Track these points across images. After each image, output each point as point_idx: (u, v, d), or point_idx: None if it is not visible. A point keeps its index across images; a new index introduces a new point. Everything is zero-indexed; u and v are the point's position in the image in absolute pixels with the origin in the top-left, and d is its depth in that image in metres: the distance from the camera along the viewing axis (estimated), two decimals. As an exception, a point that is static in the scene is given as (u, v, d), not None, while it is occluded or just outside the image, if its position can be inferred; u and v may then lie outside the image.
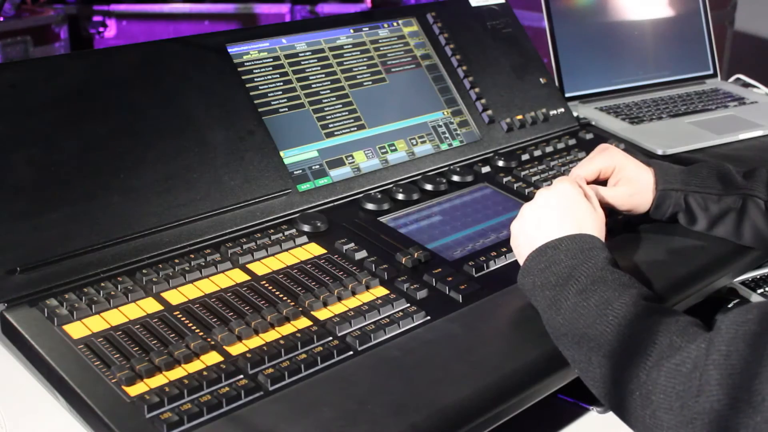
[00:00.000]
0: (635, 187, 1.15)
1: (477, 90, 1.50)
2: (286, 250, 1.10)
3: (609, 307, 0.86)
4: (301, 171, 1.25)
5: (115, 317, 0.94)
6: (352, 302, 0.99)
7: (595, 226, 0.99)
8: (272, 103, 1.28)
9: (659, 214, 1.17)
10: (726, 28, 3.48)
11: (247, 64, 1.29)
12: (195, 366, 0.87)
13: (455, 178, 1.34)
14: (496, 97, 1.52)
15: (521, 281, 0.98)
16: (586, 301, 0.88)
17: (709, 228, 1.17)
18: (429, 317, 0.98)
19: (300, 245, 1.12)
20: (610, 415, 1.04)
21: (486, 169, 1.38)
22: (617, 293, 0.87)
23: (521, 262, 0.99)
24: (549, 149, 1.48)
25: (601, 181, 1.17)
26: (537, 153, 1.46)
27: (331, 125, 1.32)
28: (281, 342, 0.91)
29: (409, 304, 1.00)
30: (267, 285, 1.02)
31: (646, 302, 0.86)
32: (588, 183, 1.13)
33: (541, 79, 1.61)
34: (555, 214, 0.99)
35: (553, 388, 0.93)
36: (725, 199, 1.14)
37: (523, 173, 1.38)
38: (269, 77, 1.30)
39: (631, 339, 0.83)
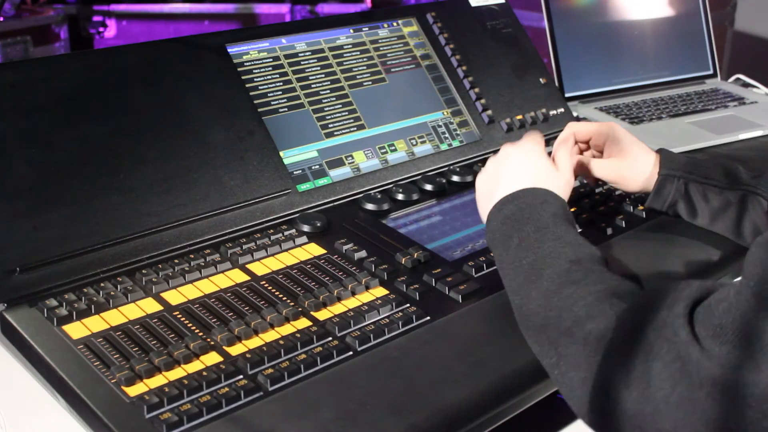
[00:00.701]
0: (626, 162, 1.16)
1: (477, 90, 1.50)
2: (286, 250, 1.10)
3: (540, 270, 0.88)
4: (300, 171, 1.25)
5: (114, 317, 0.94)
6: (351, 302, 0.99)
7: (555, 185, 1.01)
8: (272, 103, 1.28)
9: (659, 201, 1.17)
10: (726, 28, 3.48)
11: (247, 64, 1.29)
12: (195, 366, 0.87)
13: (455, 178, 1.34)
14: (496, 97, 1.52)
15: (486, 239, 1.00)
16: (523, 260, 0.91)
17: (710, 222, 1.17)
18: (429, 317, 0.98)
19: (300, 245, 1.12)
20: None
21: (486, 169, 1.38)
22: (553, 255, 0.89)
23: (483, 219, 1.03)
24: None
25: (597, 151, 1.20)
26: (537, 153, 1.46)
27: (330, 125, 1.32)
28: (281, 342, 0.91)
29: (408, 304, 1.00)
30: (267, 285, 1.02)
31: (578, 267, 0.87)
32: (578, 143, 1.19)
33: (541, 79, 1.61)
34: (513, 168, 1.03)
35: (553, 388, 0.93)
36: (727, 193, 1.14)
37: (523, 173, 1.37)
38: (269, 77, 1.30)
39: (559, 304, 0.84)
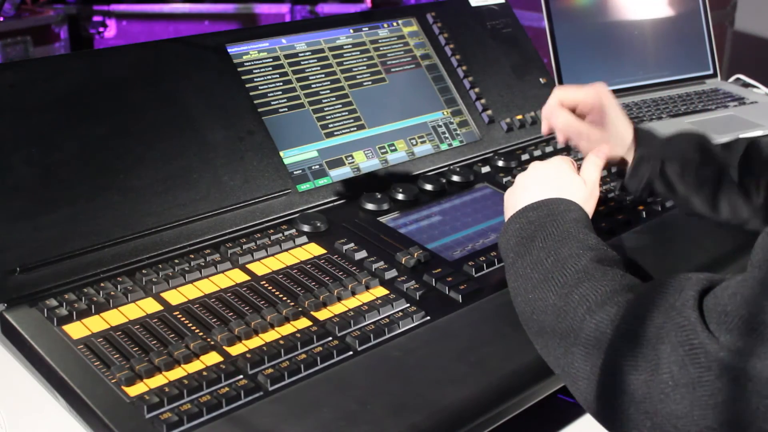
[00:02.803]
0: (606, 135, 1.16)
1: (477, 90, 1.50)
2: (286, 250, 1.10)
3: (561, 268, 0.88)
4: (301, 171, 1.25)
5: (114, 317, 0.94)
6: (351, 302, 0.99)
7: (579, 197, 1.02)
8: (272, 103, 1.28)
9: (635, 181, 1.17)
10: (726, 28, 3.48)
11: (247, 64, 1.29)
12: (195, 366, 0.87)
13: (455, 178, 1.34)
14: (496, 97, 1.52)
15: (499, 243, 1.01)
16: (544, 260, 0.91)
17: (686, 198, 1.17)
18: (429, 317, 0.98)
19: (300, 245, 1.12)
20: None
21: (486, 169, 1.38)
22: (573, 255, 0.90)
23: None
24: (549, 149, 1.48)
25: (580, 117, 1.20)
26: (537, 153, 1.46)
27: (331, 125, 1.32)
28: (281, 342, 0.91)
29: (409, 304, 1.00)
30: (267, 285, 1.02)
31: (597, 264, 0.88)
32: (565, 106, 1.18)
33: (541, 79, 1.61)
34: (540, 181, 1.03)
35: (553, 388, 0.93)
36: (702, 170, 1.14)
37: (523, 173, 1.37)
38: (269, 77, 1.30)
39: (576, 296, 0.85)
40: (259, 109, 1.25)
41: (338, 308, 0.98)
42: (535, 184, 1.03)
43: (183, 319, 0.95)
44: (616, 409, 0.78)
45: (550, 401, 0.99)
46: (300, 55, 1.36)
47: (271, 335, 0.92)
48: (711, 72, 1.97)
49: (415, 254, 1.09)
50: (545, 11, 1.76)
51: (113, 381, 0.84)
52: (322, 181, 1.26)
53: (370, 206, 1.23)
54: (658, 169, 1.15)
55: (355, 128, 1.35)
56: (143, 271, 1.02)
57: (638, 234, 1.20)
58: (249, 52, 1.30)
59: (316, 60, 1.37)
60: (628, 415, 0.77)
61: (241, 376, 0.86)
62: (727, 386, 0.70)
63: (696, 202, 1.16)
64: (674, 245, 1.17)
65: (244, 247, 1.09)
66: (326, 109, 1.34)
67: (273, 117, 1.27)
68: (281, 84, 1.31)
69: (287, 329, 0.94)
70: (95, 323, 0.93)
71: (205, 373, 0.85)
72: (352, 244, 1.11)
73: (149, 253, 1.06)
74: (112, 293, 0.97)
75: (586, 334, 0.81)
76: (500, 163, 1.41)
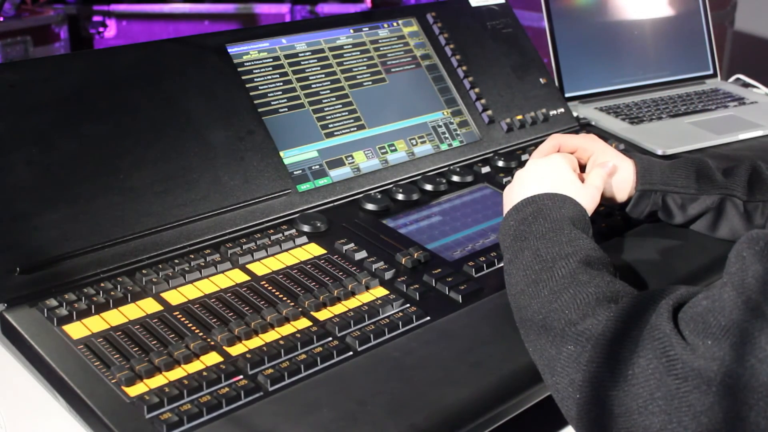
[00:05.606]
0: (616, 177, 1.15)
1: (477, 90, 1.50)
2: (286, 250, 1.10)
3: (549, 272, 0.89)
4: (300, 171, 1.25)
5: (114, 317, 0.94)
6: (351, 303, 0.99)
7: (577, 195, 1.01)
8: (272, 103, 1.28)
9: (637, 212, 1.17)
10: (726, 28, 3.48)
11: (247, 64, 1.29)
12: (195, 366, 0.87)
13: (455, 178, 1.34)
14: (496, 97, 1.52)
15: (499, 240, 1.01)
16: (534, 263, 0.91)
17: (687, 224, 1.19)
18: (429, 317, 0.98)
19: (300, 245, 1.12)
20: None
21: (486, 170, 1.38)
22: (562, 257, 0.90)
23: None
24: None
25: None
26: (537, 153, 1.46)
27: (331, 125, 1.32)
28: (281, 342, 0.91)
29: (408, 305, 1.00)
30: (267, 285, 1.02)
31: (585, 268, 0.88)
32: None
33: (541, 79, 1.61)
34: (536, 177, 1.04)
35: (552, 388, 0.93)
36: (703, 199, 1.15)
37: (523, 173, 1.37)
38: (269, 77, 1.30)
39: (559, 304, 0.85)
40: (259, 109, 1.25)
41: (338, 308, 0.98)
42: (532, 179, 1.04)
43: (183, 319, 0.95)
44: (597, 425, 0.78)
45: (550, 401, 0.99)
46: (300, 55, 1.36)
47: (271, 335, 0.92)
48: (711, 72, 1.97)
49: (415, 254, 1.09)
50: (545, 11, 1.76)
51: (113, 381, 0.84)
52: (322, 181, 1.26)
53: (370, 206, 1.23)
54: (660, 202, 1.16)
55: (355, 128, 1.35)
56: (143, 271, 1.02)
57: (637, 234, 1.20)
58: (249, 52, 1.30)
59: (316, 60, 1.37)
60: (608, 430, 0.77)
61: (241, 377, 0.86)
62: (704, 395, 0.71)
63: (697, 227, 1.18)
64: (674, 246, 1.17)
65: (244, 247, 1.09)
66: (326, 109, 1.34)
67: (273, 117, 1.27)
68: (281, 84, 1.31)
69: (287, 329, 0.94)
70: (95, 323, 0.93)
71: (205, 374, 0.85)
72: (352, 244, 1.11)
73: (149, 253, 1.06)
74: (112, 293, 0.97)
75: (567, 351, 0.82)
76: (500, 163, 1.41)
